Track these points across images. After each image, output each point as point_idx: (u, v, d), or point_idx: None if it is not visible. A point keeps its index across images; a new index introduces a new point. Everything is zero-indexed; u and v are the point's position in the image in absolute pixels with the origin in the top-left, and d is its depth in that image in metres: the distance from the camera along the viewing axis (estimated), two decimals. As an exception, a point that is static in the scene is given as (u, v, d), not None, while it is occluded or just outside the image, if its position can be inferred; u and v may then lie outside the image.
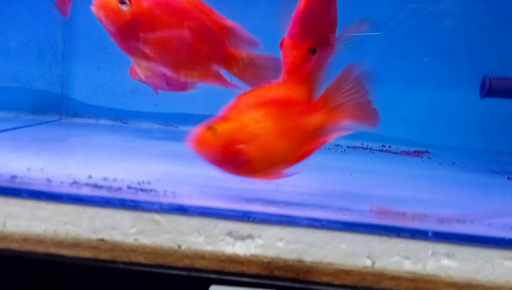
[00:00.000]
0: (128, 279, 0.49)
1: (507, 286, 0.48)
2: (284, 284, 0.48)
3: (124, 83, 0.96)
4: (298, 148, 0.50)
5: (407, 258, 0.49)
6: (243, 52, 0.60)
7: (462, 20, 0.96)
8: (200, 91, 1.02)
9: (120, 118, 1.00)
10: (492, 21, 0.96)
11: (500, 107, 0.93)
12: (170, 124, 1.01)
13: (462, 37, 0.97)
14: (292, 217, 0.49)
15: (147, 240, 0.50)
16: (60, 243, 0.50)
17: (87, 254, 0.50)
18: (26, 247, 0.50)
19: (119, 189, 0.50)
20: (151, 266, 0.49)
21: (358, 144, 0.97)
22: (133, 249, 0.50)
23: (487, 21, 0.96)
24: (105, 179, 0.52)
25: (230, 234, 0.50)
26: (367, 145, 0.96)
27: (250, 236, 0.50)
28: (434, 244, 0.48)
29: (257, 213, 0.49)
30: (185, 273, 0.49)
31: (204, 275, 0.49)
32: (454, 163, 0.86)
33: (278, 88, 0.53)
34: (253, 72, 0.61)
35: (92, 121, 1.00)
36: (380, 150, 0.95)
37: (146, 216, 0.50)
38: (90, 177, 0.52)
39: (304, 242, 0.49)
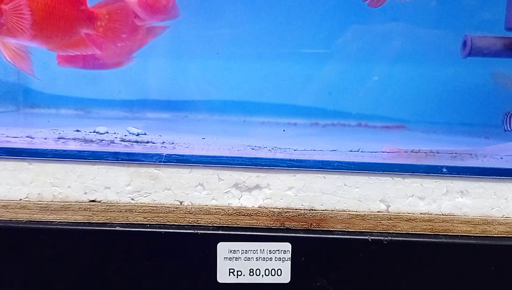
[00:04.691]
0: (127, 242, 0.44)
1: (522, 220, 0.47)
2: (296, 236, 0.45)
3: (85, 70, 0.90)
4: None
5: (421, 198, 0.47)
6: (103, 8, 0.57)
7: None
8: (167, 76, 0.97)
9: (82, 107, 0.94)
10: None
11: (472, 80, 0.94)
12: (136, 111, 0.96)
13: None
14: (301, 161, 0.46)
15: (145, 198, 0.46)
16: (46, 208, 0.45)
17: (78, 218, 0.45)
18: (7, 215, 0.44)
19: (112, 142, 0.46)
20: (151, 226, 0.45)
21: (335, 121, 0.96)
22: (130, 209, 0.45)
23: None
24: (95, 132, 0.47)
25: (236, 185, 0.46)
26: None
27: (257, 187, 0.46)
28: (448, 181, 0.47)
29: (264, 160, 0.46)
30: (189, 231, 0.45)
31: (210, 232, 0.45)
32: (434, 132, 0.86)
33: None
34: (115, 26, 0.58)
35: (53, 111, 0.93)
36: (358, 125, 0.94)
37: (143, 170, 0.45)
38: (77, 131, 0.47)
39: (315, 189, 0.46)
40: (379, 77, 1.04)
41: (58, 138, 0.46)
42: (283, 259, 0.45)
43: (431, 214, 0.47)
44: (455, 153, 0.47)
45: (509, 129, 0.74)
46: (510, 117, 0.74)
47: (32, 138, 0.45)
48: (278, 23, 0.98)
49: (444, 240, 0.46)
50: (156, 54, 0.90)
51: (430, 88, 1.04)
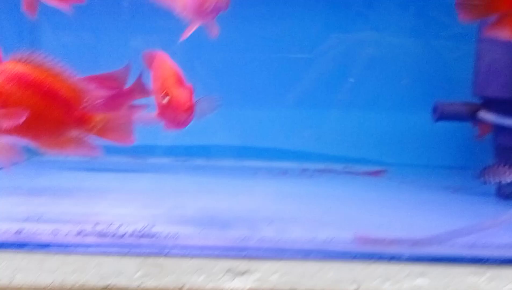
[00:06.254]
0: (135, 321, 0.52)
1: (472, 299, 0.55)
2: (281, 314, 0.54)
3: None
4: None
5: (387, 279, 0.55)
6: (98, 115, 0.62)
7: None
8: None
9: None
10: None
11: (450, 127, 1.03)
12: (138, 156, 1.04)
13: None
14: (284, 249, 0.54)
15: (151, 282, 0.54)
16: (67, 292, 0.52)
17: (94, 300, 0.53)
18: (33, 299, 0.52)
19: (123, 235, 0.54)
20: (156, 307, 0.53)
21: (323, 166, 1.05)
22: (138, 292, 0.53)
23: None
24: (109, 225, 0.55)
25: (229, 270, 0.54)
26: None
27: (247, 271, 0.54)
28: (409, 265, 0.55)
29: (253, 249, 0.54)
30: (189, 311, 0.53)
31: (207, 311, 0.53)
32: (412, 181, 0.95)
33: None
34: (112, 130, 0.64)
35: (60, 158, 1.01)
36: (344, 172, 1.03)
37: (150, 260, 0.53)
38: (96, 224, 0.55)
39: (296, 273, 0.54)
40: (363, 122, 1.13)
41: (79, 233, 0.54)
42: (270, 334, 0.53)
43: (396, 293, 0.55)
44: (415, 241, 0.55)
45: (489, 181, 0.82)
46: (487, 171, 0.82)
47: (56, 232, 0.53)
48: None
49: (408, 316, 0.54)
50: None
51: (410, 134, 1.13)
